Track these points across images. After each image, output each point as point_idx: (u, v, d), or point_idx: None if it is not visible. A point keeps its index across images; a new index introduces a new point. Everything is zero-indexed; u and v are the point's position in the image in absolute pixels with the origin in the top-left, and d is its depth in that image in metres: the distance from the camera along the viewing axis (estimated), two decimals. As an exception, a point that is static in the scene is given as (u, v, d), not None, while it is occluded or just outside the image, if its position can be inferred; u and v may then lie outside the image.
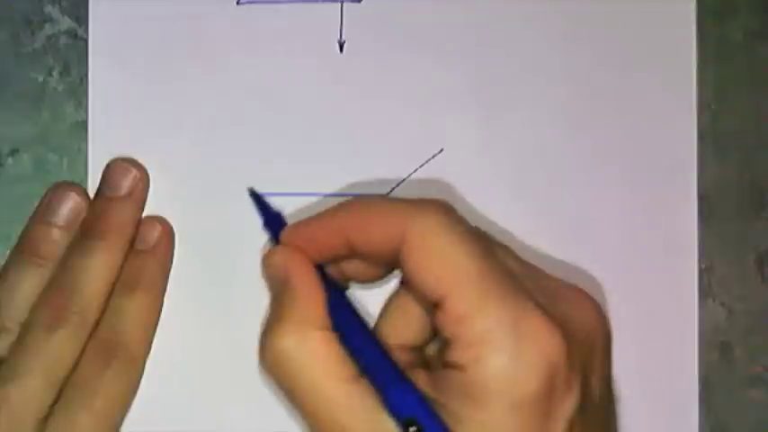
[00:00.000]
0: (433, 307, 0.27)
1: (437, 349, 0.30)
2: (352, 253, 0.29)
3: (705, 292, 0.37)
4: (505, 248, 0.29)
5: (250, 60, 0.38)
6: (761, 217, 0.38)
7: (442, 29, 0.38)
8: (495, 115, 0.38)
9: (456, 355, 0.26)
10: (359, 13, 0.38)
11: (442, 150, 0.37)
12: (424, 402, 0.27)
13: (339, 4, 0.38)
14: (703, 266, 0.37)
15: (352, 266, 0.30)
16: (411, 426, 0.26)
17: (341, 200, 0.37)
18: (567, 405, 0.26)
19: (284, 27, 0.38)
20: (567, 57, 0.38)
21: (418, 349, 0.30)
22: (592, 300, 0.29)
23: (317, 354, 0.27)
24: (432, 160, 0.37)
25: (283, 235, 0.31)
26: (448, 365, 0.27)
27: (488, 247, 0.28)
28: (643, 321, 0.37)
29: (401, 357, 0.29)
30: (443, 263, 0.27)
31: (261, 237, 0.37)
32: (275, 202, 0.37)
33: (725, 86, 0.38)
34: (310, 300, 0.28)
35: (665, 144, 0.37)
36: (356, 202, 0.30)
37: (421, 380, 0.28)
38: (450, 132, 0.38)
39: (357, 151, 0.38)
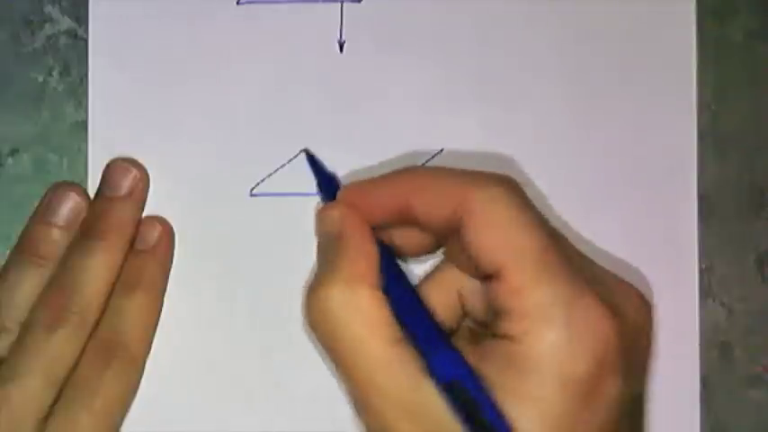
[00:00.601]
0: (488, 278, 0.27)
1: (486, 321, 0.30)
2: (408, 220, 0.29)
3: (705, 292, 0.37)
4: (564, 236, 0.29)
5: (250, 60, 0.38)
6: (761, 217, 0.38)
7: (442, 29, 0.38)
8: (495, 115, 0.38)
9: (508, 326, 0.26)
10: (359, 13, 0.38)
11: (442, 150, 0.37)
12: (468, 367, 0.27)
13: (339, 4, 0.38)
14: (703, 266, 0.37)
15: (402, 235, 0.30)
16: (454, 389, 0.26)
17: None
18: (613, 390, 0.26)
19: (284, 27, 0.38)
20: (566, 57, 0.38)
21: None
22: (644, 299, 0.29)
23: (364, 311, 0.27)
24: (432, 160, 0.37)
25: (341, 193, 0.31)
26: (497, 336, 0.26)
27: (550, 228, 0.28)
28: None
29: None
30: (506, 233, 0.27)
31: (261, 237, 0.37)
32: (275, 203, 0.37)
33: (725, 86, 0.38)
34: (363, 256, 0.28)
35: (665, 144, 0.37)
36: (419, 167, 0.29)
37: (463, 349, 0.28)
38: (450, 132, 0.38)
39: (357, 151, 0.38)
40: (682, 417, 0.37)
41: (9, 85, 0.38)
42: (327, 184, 0.32)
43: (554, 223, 0.29)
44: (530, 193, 0.29)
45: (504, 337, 0.26)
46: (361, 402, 0.27)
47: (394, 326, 0.27)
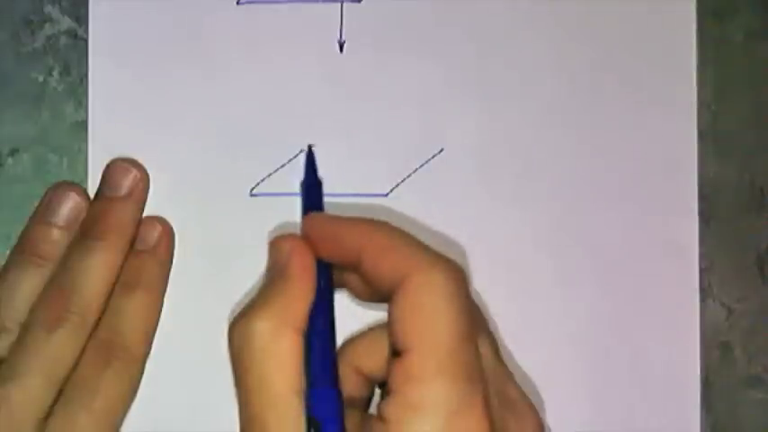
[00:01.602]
0: (394, 355, 0.27)
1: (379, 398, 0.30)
2: (357, 270, 0.29)
3: (705, 292, 0.37)
4: (491, 339, 0.29)
5: (250, 60, 0.38)
6: (761, 217, 0.38)
7: (442, 29, 0.38)
8: (495, 115, 0.38)
9: (390, 408, 0.26)
10: (359, 13, 0.38)
11: (442, 150, 0.37)
12: (335, 410, 0.27)
13: (339, 4, 0.38)
14: (703, 266, 0.37)
15: (350, 278, 0.30)
16: (314, 426, 0.27)
17: (339, 200, 0.37)
18: None
19: (284, 27, 0.38)
20: (567, 57, 0.38)
21: (370, 384, 0.30)
22: (539, 423, 0.29)
23: (280, 355, 0.27)
24: (432, 160, 0.37)
25: (306, 220, 0.31)
26: (378, 415, 0.26)
27: (473, 330, 0.27)
28: (643, 321, 0.37)
29: (351, 380, 0.29)
30: (425, 321, 0.26)
31: (261, 237, 0.37)
32: (275, 203, 0.37)
33: (725, 86, 0.38)
34: (298, 300, 0.28)
35: (665, 144, 0.37)
36: (384, 225, 0.29)
37: (352, 419, 0.28)
38: (450, 132, 0.38)
39: (357, 151, 0.38)
40: (682, 417, 0.37)
41: (9, 85, 0.38)
42: (310, 189, 0.32)
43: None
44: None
45: (384, 419, 0.26)
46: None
47: (302, 374, 0.27)
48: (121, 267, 0.36)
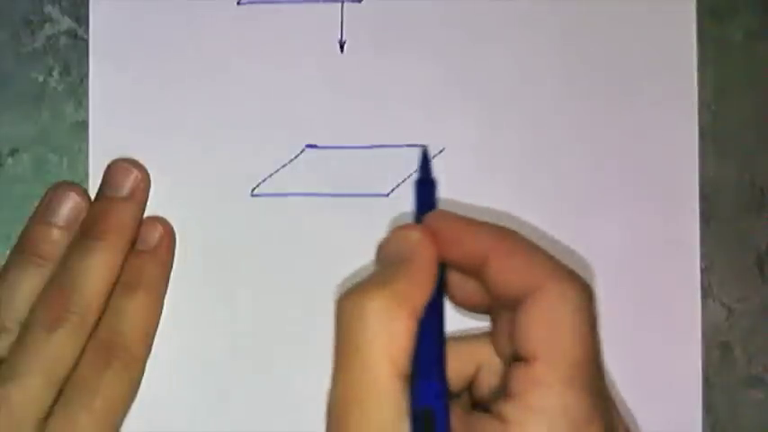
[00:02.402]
0: (516, 359, 0.27)
1: (482, 400, 0.30)
2: (476, 273, 0.29)
3: (705, 292, 0.37)
4: (603, 360, 0.29)
5: (250, 60, 0.38)
6: (761, 217, 0.38)
7: (442, 29, 0.38)
8: (495, 115, 0.38)
9: (510, 410, 0.26)
10: (359, 13, 0.38)
11: (442, 150, 0.38)
12: (445, 404, 0.27)
13: (339, 4, 0.38)
14: (703, 266, 0.37)
15: (462, 282, 0.30)
16: (424, 418, 0.26)
17: (340, 200, 0.37)
18: None
19: (284, 27, 0.38)
20: (567, 57, 0.38)
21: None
22: None
23: (392, 336, 0.27)
24: (432, 160, 0.37)
25: (432, 218, 0.30)
26: (493, 415, 0.26)
27: (599, 347, 0.28)
28: (644, 321, 0.37)
29: None
30: (558, 332, 0.26)
31: (262, 237, 0.37)
32: (276, 203, 0.37)
33: (725, 86, 0.38)
34: (419, 286, 0.28)
35: (665, 144, 0.37)
36: (513, 233, 0.29)
37: (455, 414, 0.28)
38: (450, 132, 0.38)
39: (357, 151, 0.38)
40: (682, 417, 0.37)
41: (9, 85, 0.38)
42: (425, 187, 0.32)
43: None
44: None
45: (500, 418, 0.26)
46: (340, 411, 0.27)
47: (409, 360, 0.27)
48: (122, 267, 0.36)
